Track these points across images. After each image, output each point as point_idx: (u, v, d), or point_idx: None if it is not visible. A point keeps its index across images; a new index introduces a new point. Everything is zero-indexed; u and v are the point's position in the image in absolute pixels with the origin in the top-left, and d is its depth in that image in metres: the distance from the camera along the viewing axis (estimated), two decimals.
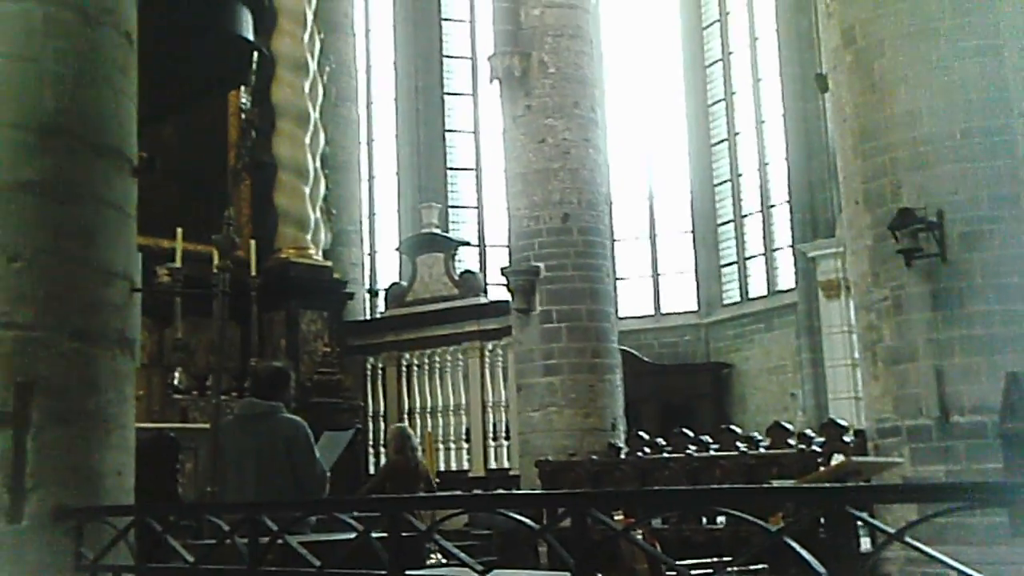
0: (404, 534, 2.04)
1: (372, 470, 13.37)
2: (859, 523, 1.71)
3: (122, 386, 3.06)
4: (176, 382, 10.98)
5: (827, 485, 1.77)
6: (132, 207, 3.21)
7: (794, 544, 1.65)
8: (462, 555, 1.86)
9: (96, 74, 3.09)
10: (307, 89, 13.55)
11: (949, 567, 1.63)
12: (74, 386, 2.88)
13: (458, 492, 11.39)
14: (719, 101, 19.14)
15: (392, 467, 8.84)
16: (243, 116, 12.57)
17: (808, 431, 10.12)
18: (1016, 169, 7.47)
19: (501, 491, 11.39)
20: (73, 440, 2.85)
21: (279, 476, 5.23)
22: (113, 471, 2.97)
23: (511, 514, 1.93)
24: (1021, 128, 7.52)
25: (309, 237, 13.29)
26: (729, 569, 5.97)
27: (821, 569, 1.66)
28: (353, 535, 2.19)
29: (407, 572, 2.02)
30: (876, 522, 1.68)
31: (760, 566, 6.27)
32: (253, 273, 11.33)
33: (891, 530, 1.67)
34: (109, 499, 2.91)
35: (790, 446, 9.26)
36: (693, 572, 1.96)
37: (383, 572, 2.05)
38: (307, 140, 13.42)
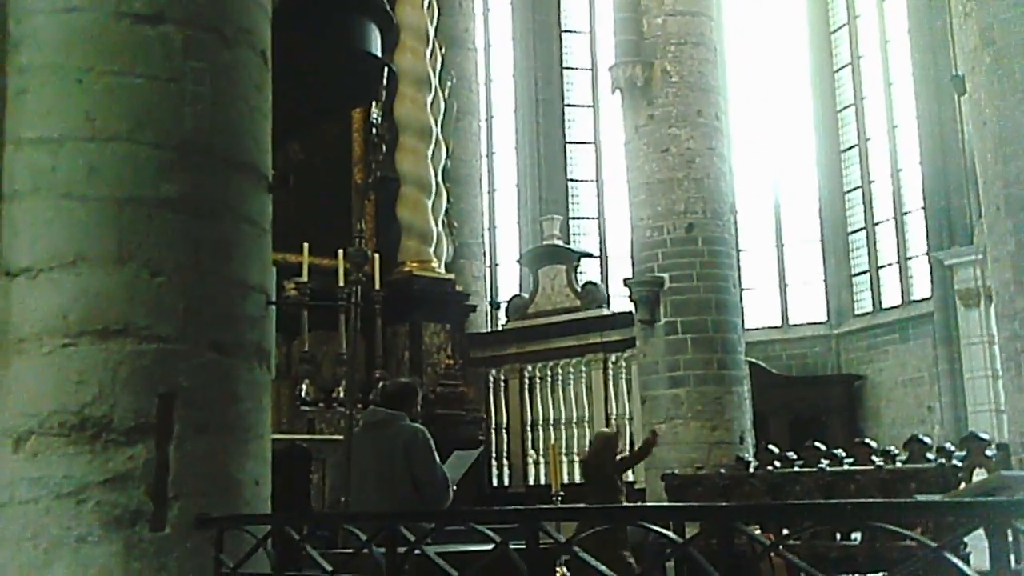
0: (541, 545, 2.02)
1: (495, 483, 13.41)
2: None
3: (259, 397, 3.12)
4: (303, 394, 11.19)
5: (990, 499, 1.68)
6: (267, 222, 3.28)
7: (956, 560, 1.56)
8: (602, 567, 1.82)
9: (233, 93, 3.17)
10: (429, 104, 13.70)
11: None
12: (214, 397, 2.94)
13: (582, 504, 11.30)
14: (849, 106, 18.68)
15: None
16: (373, 132, 12.77)
17: (948, 445, 9.73)
18: None
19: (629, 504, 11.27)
20: (213, 450, 2.91)
21: (399, 482, 5.27)
22: (251, 480, 3.02)
23: (654, 527, 1.88)
24: None
25: (431, 250, 13.42)
26: None
27: None
28: (489, 546, 2.17)
29: None
30: None
31: None
32: (377, 286, 11.54)
33: None
34: (247, 508, 2.97)
35: (929, 460, 8.91)
36: None
37: None
38: (429, 154, 13.56)
